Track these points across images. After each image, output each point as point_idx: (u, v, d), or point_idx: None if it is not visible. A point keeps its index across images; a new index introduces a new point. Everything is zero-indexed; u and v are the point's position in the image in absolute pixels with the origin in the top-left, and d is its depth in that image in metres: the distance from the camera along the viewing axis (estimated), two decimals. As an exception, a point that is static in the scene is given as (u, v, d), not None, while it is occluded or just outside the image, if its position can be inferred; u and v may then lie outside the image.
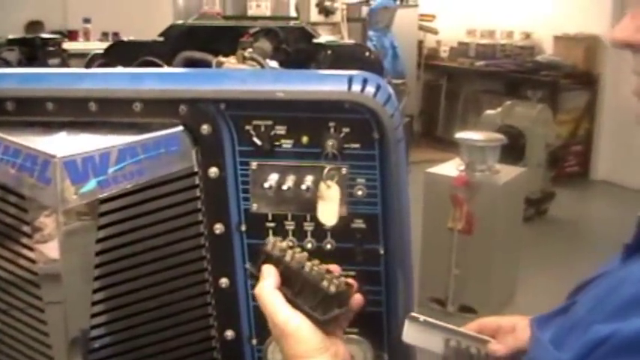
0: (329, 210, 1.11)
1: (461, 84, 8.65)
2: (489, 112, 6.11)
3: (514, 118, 5.90)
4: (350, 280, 1.03)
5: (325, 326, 0.99)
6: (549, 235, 5.67)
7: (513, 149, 5.18)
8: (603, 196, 7.08)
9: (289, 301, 0.99)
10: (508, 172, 4.29)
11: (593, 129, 7.48)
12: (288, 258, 1.01)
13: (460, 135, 4.37)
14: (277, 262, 1.02)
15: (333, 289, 0.99)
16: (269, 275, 1.01)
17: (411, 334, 1.15)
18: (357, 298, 1.05)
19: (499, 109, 6.06)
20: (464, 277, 4.08)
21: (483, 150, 4.19)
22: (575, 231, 6.03)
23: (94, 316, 1.16)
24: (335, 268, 1.05)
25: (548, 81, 7.17)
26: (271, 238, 1.05)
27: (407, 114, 5.56)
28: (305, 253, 1.03)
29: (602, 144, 7.37)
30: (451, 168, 4.23)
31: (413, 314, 1.15)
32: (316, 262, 1.02)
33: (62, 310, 1.15)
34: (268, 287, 1.00)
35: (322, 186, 1.10)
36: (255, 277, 1.03)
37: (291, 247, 1.03)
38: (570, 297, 0.90)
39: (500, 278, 4.22)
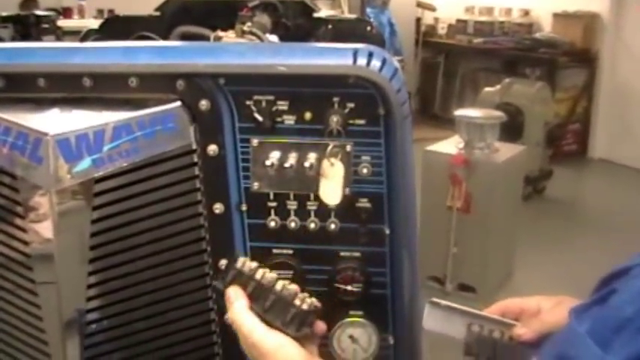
0: (332, 189, 1.07)
1: (459, 62, 8.60)
2: (488, 89, 6.07)
3: (512, 96, 5.86)
4: (317, 303, 1.02)
5: (299, 342, 0.98)
6: (547, 214, 5.65)
7: (512, 127, 5.14)
8: (601, 174, 7.07)
9: (260, 319, 0.99)
10: (507, 151, 4.26)
11: (592, 107, 7.45)
12: (258, 276, 1.01)
13: (459, 112, 4.33)
14: (248, 279, 1.02)
15: (305, 306, 0.99)
16: (238, 297, 1.01)
17: (431, 320, 1.13)
18: (320, 325, 1.04)
19: (497, 87, 6.02)
20: (462, 256, 4.06)
21: (482, 128, 4.15)
22: (572, 209, 6.02)
23: (90, 299, 1.13)
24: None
25: (547, 59, 7.13)
26: (241, 258, 1.05)
27: (404, 92, 5.50)
28: (274, 274, 1.03)
29: (600, 122, 7.35)
30: (450, 146, 4.20)
31: (434, 300, 1.13)
32: (286, 282, 1.02)
33: (56, 291, 1.12)
34: (241, 308, 1.00)
35: (325, 163, 1.06)
36: (221, 294, 1.03)
37: (260, 267, 1.03)
38: (604, 284, 0.84)
39: (498, 257, 4.20)
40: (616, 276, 0.79)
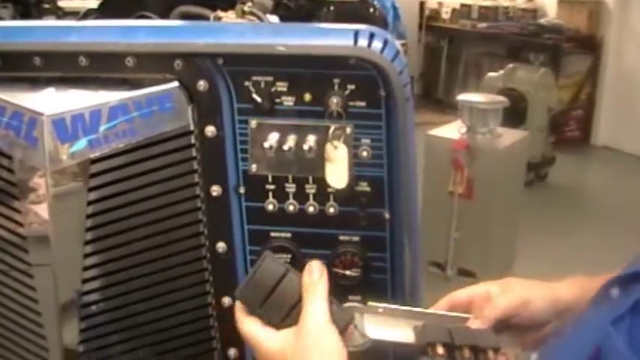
0: (338, 172, 1.06)
1: (462, 46, 8.56)
2: (491, 74, 6.04)
3: (516, 82, 5.83)
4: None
5: None
6: (549, 200, 5.64)
7: (515, 113, 5.12)
8: (604, 161, 7.05)
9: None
10: (510, 136, 4.24)
11: (595, 94, 7.42)
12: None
13: (462, 97, 4.31)
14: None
15: None
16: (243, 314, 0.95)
17: (374, 328, 1.02)
18: None
19: (501, 72, 5.99)
20: (463, 241, 4.05)
21: (485, 113, 4.13)
22: (574, 196, 6.01)
23: (86, 281, 1.12)
24: None
25: (551, 44, 7.08)
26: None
27: (407, 76, 5.48)
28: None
29: (603, 109, 7.32)
30: (452, 131, 4.18)
31: (371, 304, 1.03)
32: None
33: (51, 273, 1.11)
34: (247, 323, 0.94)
35: (329, 147, 1.05)
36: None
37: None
38: (618, 285, 0.79)
39: (499, 242, 4.19)
40: (638, 276, 0.76)
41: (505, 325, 1.01)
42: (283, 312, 0.92)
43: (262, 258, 0.95)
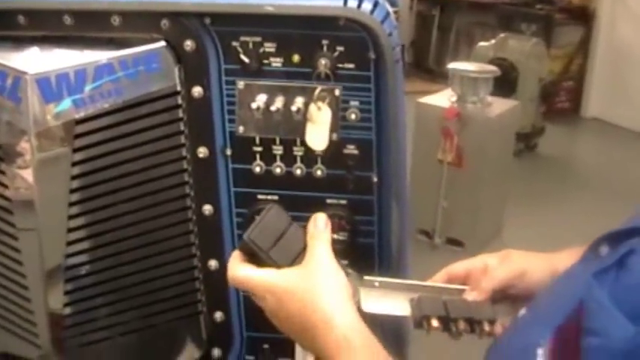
0: (318, 134, 1.05)
1: (454, 15, 8.50)
2: (482, 44, 6.01)
3: (507, 52, 5.81)
4: None
5: None
6: (538, 171, 5.65)
7: (505, 82, 5.10)
8: (593, 133, 7.05)
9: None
10: (500, 105, 4.23)
11: (586, 66, 7.40)
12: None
13: (452, 65, 4.29)
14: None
15: None
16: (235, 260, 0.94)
17: (370, 302, 1.00)
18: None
19: (492, 42, 5.96)
20: (452, 210, 4.06)
21: (476, 81, 4.12)
22: (563, 167, 6.02)
23: (71, 243, 1.11)
24: None
25: (543, 15, 7.04)
26: None
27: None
28: None
29: (594, 81, 7.30)
30: (442, 99, 4.17)
31: (367, 278, 1.01)
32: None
33: (36, 238, 1.10)
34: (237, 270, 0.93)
35: (312, 107, 1.04)
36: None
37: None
38: (607, 242, 0.79)
39: (488, 211, 4.20)
40: (627, 234, 0.75)
41: (502, 296, 1.01)
42: (290, 257, 0.92)
43: (269, 207, 0.94)
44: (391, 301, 1.00)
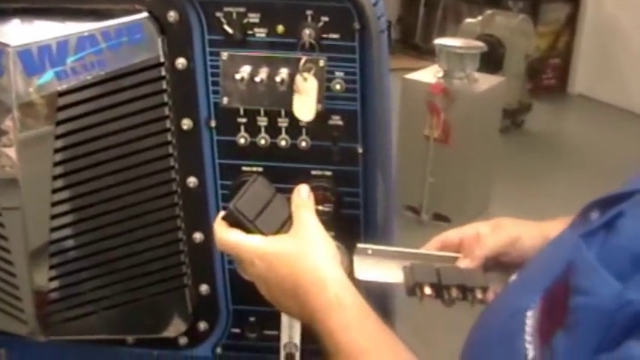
0: (306, 104, 1.04)
1: (441, -8, 8.49)
2: (469, 20, 6.00)
3: (494, 28, 5.80)
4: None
5: None
6: (525, 147, 5.66)
7: (492, 59, 5.10)
8: (579, 110, 7.06)
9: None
10: (486, 81, 4.23)
11: (573, 42, 7.40)
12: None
13: (439, 41, 4.29)
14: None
15: None
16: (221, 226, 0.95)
17: (363, 269, 1.01)
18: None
19: (479, 18, 5.95)
20: (439, 186, 4.07)
21: (462, 57, 4.11)
22: (550, 144, 6.03)
23: (55, 217, 1.10)
24: None
25: (530, -9, 7.04)
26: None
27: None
28: None
29: (581, 58, 7.30)
30: (429, 75, 4.16)
31: (360, 246, 1.02)
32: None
33: (20, 215, 1.09)
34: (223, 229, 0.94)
35: (298, 78, 1.03)
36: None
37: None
38: (597, 208, 0.79)
39: (474, 188, 4.21)
40: (617, 199, 0.75)
41: (495, 264, 1.01)
42: (275, 226, 0.93)
43: (254, 178, 0.96)
44: (384, 268, 1.01)
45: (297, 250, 0.90)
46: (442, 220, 4.10)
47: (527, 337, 0.73)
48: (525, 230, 1.03)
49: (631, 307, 0.62)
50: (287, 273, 0.89)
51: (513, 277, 0.91)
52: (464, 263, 1.00)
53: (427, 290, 0.96)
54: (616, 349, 0.61)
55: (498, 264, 1.01)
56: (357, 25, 1.02)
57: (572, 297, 0.68)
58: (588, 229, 0.74)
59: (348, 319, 0.84)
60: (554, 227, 0.97)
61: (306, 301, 0.87)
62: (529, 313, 0.75)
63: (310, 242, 0.90)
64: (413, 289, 0.97)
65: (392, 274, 1.00)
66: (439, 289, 0.96)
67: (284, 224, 0.93)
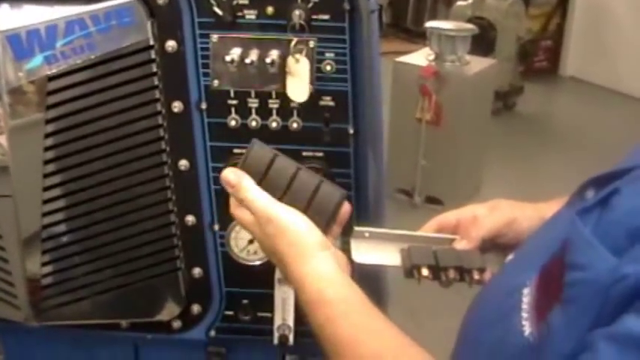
0: (299, 86, 1.04)
1: (431, -25, 8.47)
2: (460, 3, 5.98)
3: (485, 10, 5.79)
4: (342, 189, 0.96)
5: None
6: (516, 129, 5.66)
7: (483, 41, 5.09)
8: (571, 92, 7.07)
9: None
10: (478, 64, 4.22)
11: (564, 25, 7.39)
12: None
13: (430, 24, 4.28)
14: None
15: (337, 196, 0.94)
16: (242, 176, 0.94)
17: (360, 252, 1.01)
18: (346, 207, 0.97)
19: (470, 1, 5.93)
20: (431, 169, 4.06)
21: (453, 40, 4.10)
22: (542, 126, 6.04)
23: (47, 202, 1.10)
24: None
25: (521, -27, 7.02)
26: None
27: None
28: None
29: (572, 40, 7.30)
30: (420, 58, 4.15)
31: (357, 229, 1.02)
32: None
33: (12, 203, 1.10)
34: (252, 185, 0.93)
35: (290, 60, 1.03)
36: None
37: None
38: (593, 186, 0.79)
39: (467, 170, 4.21)
40: (612, 177, 0.75)
41: (492, 245, 1.01)
42: (279, 192, 0.93)
43: (252, 144, 0.95)
44: (381, 251, 1.01)
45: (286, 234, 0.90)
46: (435, 202, 4.10)
47: (524, 314, 0.74)
48: (522, 211, 1.03)
49: (627, 281, 0.62)
50: (281, 251, 0.90)
51: (510, 257, 0.92)
52: (461, 245, 1.00)
53: (424, 272, 0.96)
54: (612, 323, 0.61)
55: (495, 245, 1.02)
56: (346, 6, 1.02)
57: (568, 272, 0.69)
58: (583, 206, 0.74)
59: (333, 312, 0.84)
60: (550, 208, 0.97)
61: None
62: (525, 291, 0.75)
63: (291, 230, 0.90)
64: (410, 271, 0.97)
65: (389, 257, 1.01)
66: (436, 271, 0.96)
67: (288, 188, 0.93)
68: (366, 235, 1.01)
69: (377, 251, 1.01)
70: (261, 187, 0.93)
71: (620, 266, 0.63)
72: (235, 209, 0.95)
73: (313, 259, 0.88)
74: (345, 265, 0.92)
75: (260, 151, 0.95)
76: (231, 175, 0.94)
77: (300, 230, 0.90)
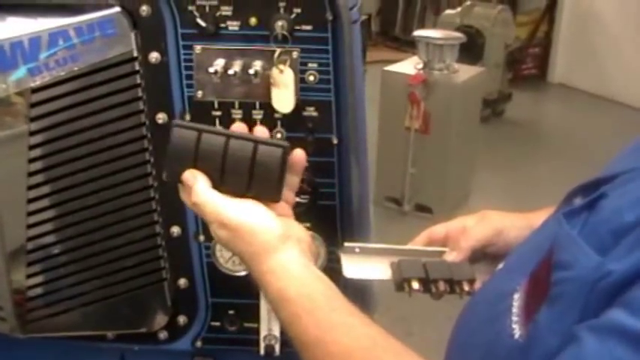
0: (284, 96, 1.04)
1: (420, -17, 8.50)
2: (448, 11, 6.01)
3: (473, 18, 5.81)
4: (283, 141, 0.91)
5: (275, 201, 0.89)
6: (505, 137, 5.68)
7: (472, 49, 5.11)
8: (559, 99, 7.09)
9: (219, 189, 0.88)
10: (466, 72, 4.24)
11: (553, 32, 7.43)
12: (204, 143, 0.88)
13: (418, 33, 4.29)
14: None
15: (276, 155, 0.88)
16: (196, 177, 0.88)
17: (351, 268, 1.01)
18: (297, 155, 0.92)
19: (458, 9, 5.96)
20: (420, 176, 4.08)
21: (442, 48, 4.12)
22: (530, 133, 6.05)
23: (31, 214, 1.10)
24: (259, 131, 0.93)
25: (509, -19, 7.06)
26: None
27: (365, 13, 5.42)
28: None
29: (560, 47, 7.33)
30: (409, 66, 4.17)
31: (347, 245, 1.02)
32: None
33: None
34: (203, 188, 0.88)
35: (275, 71, 1.03)
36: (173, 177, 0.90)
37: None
38: (580, 194, 0.79)
39: (456, 178, 4.22)
40: (599, 183, 0.76)
41: (482, 255, 1.02)
42: (217, 172, 0.89)
43: (172, 128, 0.90)
44: (372, 265, 1.01)
45: (247, 229, 0.87)
46: (424, 210, 4.11)
47: (514, 318, 0.74)
48: (510, 221, 1.04)
49: (611, 277, 0.63)
50: (240, 252, 0.88)
51: (500, 266, 0.92)
52: (450, 256, 1.01)
53: (415, 285, 0.97)
54: (598, 317, 0.62)
55: (485, 255, 1.02)
56: (329, 16, 1.02)
57: (554, 272, 0.69)
58: (570, 208, 0.75)
59: (297, 310, 0.82)
60: (538, 217, 0.98)
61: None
62: (515, 296, 0.76)
63: (244, 231, 0.87)
64: (401, 284, 0.97)
65: (380, 271, 1.01)
66: (427, 284, 0.97)
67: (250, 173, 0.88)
68: (357, 250, 1.02)
69: (367, 266, 1.01)
70: (199, 171, 0.88)
71: (605, 263, 0.64)
72: (196, 210, 0.91)
73: (274, 255, 0.85)
74: (311, 251, 0.90)
75: (183, 132, 0.89)
76: (186, 175, 0.89)
77: (254, 228, 0.86)
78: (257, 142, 0.89)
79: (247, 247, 0.86)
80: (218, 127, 0.92)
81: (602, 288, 0.63)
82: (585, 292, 0.65)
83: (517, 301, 0.75)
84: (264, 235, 0.86)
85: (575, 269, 0.67)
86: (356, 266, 1.01)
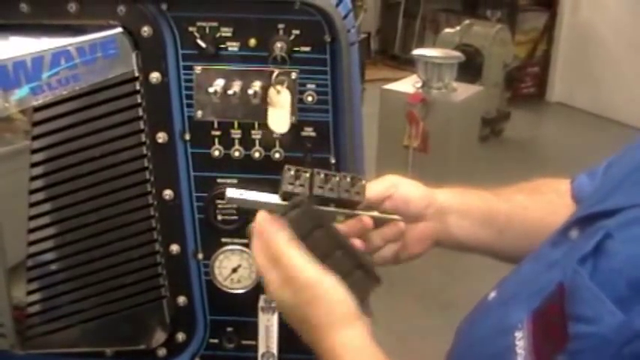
0: (280, 117, 1.06)
1: (419, 2, 8.53)
2: (447, 30, 6.05)
3: (472, 37, 5.85)
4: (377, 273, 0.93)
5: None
6: (504, 155, 5.70)
7: (470, 68, 5.15)
8: (558, 117, 7.12)
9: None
10: (465, 91, 4.27)
11: (551, 51, 7.46)
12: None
13: (417, 52, 4.33)
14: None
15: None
16: (280, 228, 0.89)
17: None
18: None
19: (457, 28, 6.00)
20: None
21: (440, 67, 4.15)
22: (529, 151, 6.07)
23: (32, 231, 1.11)
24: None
25: (508, 1, 7.10)
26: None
27: (364, 31, 5.47)
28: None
29: (559, 66, 7.38)
30: (407, 85, 4.19)
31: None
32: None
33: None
34: (287, 239, 0.88)
35: (272, 91, 1.05)
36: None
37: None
38: (577, 226, 0.79)
39: (455, 197, 4.22)
40: (599, 217, 0.75)
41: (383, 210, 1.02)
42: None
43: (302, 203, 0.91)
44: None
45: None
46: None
47: (519, 359, 0.74)
48: (407, 181, 1.08)
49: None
50: (313, 317, 0.88)
51: (492, 294, 0.92)
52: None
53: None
54: None
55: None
56: (327, 38, 1.04)
57: (572, 324, 0.69)
58: (579, 254, 0.72)
59: None
60: (440, 191, 1.09)
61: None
62: (518, 334, 0.75)
63: (328, 299, 0.87)
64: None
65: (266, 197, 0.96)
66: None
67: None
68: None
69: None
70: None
71: (631, 322, 0.63)
72: (262, 260, 0.90)
73: (346, 330, 0.86)
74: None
75: (302, 217, 0.90)
76: (266, 221, 0.90)
77: (336, 299, 0.86)
78: (358, 265, 0.91)
79: (326, 317, 0.86)
80: (334, 227, 0.92)
81: (630, 351, 0.63)
82: (611, 354, 0.64)
83: (520, 340, 0.75)
84: (343, 308, 0.87)
85: (598, 326, 0.66)
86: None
